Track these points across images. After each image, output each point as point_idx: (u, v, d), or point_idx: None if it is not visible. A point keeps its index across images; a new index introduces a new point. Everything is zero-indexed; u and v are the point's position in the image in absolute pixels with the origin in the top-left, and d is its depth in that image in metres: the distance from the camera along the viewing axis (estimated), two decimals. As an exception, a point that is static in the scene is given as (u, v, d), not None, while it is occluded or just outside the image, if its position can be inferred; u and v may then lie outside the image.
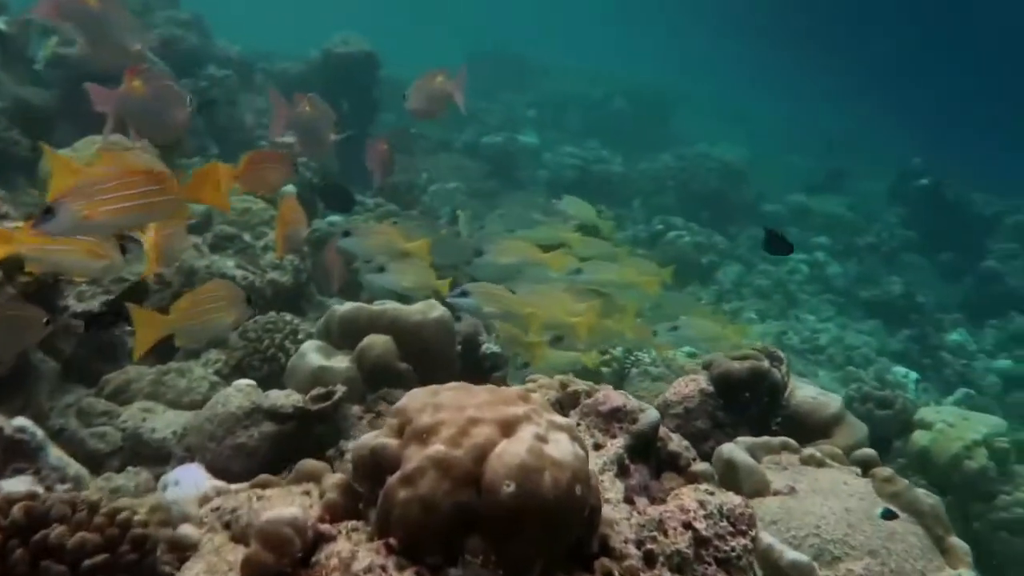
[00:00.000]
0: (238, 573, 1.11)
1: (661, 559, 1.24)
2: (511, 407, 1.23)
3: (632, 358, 3.87)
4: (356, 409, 2.25)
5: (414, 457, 1.16)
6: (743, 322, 6.56)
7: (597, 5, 23.95)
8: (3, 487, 1.53)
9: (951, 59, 20.13)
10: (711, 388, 2.17)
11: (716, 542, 1.26)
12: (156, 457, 2.27)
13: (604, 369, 3.82)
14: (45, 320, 1.97)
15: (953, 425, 3.26)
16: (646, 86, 13.83)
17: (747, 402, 2.15)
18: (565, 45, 18.13)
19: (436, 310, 2.51)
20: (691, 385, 2.19)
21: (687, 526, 1.27)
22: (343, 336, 2.50)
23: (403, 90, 3.30)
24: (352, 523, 1.24)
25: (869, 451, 1.82)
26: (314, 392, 2.18)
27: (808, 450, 1.79)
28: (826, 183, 11.37)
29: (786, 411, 2.20)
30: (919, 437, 3.27)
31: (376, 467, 1.22)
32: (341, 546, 1.17)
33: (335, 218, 4.75)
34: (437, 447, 1.16)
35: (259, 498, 1.28)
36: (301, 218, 2.98)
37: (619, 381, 3.79)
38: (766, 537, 1.42)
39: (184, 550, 1.21)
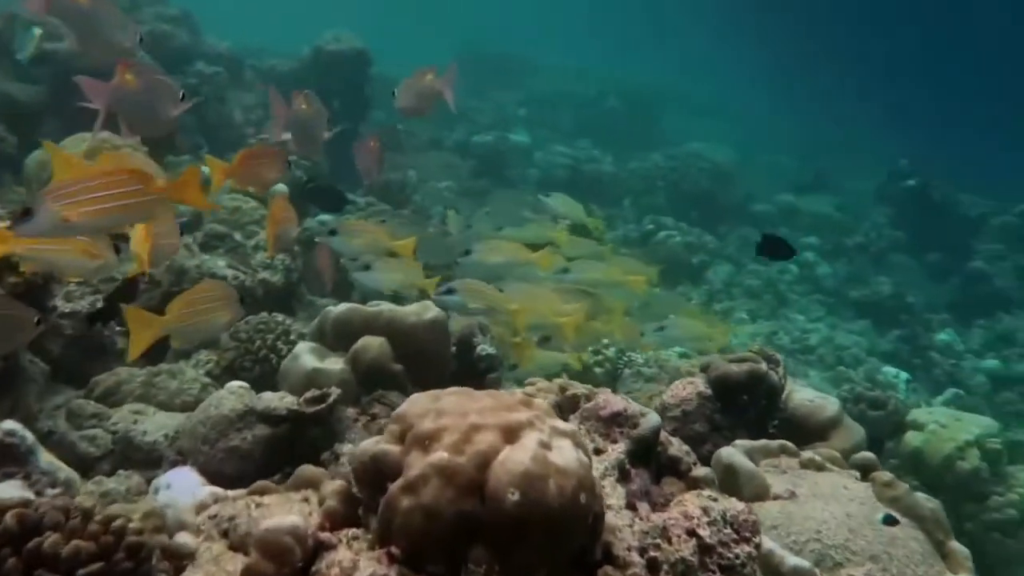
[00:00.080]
0: (238, 583, 1.10)
1: (665, 567, 1.23)
2: (514, 413, 1.22)
3: (625, 358, 3.86)
4: (351, 411, 2.23)
5: (416, 464, 1.15)
6: (734, 322, 6.58)
7: (587, 4, 23.96)
8: (-7, 493, 1.50)
9: (939, 61, 20.25)
10: (709, 391, 2.16)
11: (720, 549, 1.25)
12: (147, 460, 2.24)
13: (597, 369, 3.81)
14: (37, 320, 1.95)
15: (946, 426, 3.26)
16: (636, 85, 13.85)
17: (745, 405, 2.14)
18: (555, 43, 18.13)
19: (431, 311, 2.49)
20: (688, 388, 2.18)
21: (691, 533, 1.25)
22: (337, 337, 2.48)
23: (394, 88, 3.29)
24: (352, 531, 1.23)
25: (868, 455, 1.82)
26: (308, 394, 2.15)
27: (807, 454, 1.79)
28: (814, 183, 11.42)
29: (783, 414, 2.20)
30: (912, 438, 3.28)
31: (377, 474, 1.20)
32: (342, 555, 1.16)
33: (326, 217, 4.73)
34: (440, 454, 1.14)
35: (257, 505, 1.26)
36: (292, 217, 2.96)
37: (612, 382, 3.78)
38: (767, 542, 1.41)
39: (181, 559, 1.19)
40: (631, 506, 1.41)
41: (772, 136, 14.09)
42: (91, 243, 1.90)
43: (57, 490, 1.80)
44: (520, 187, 8.64)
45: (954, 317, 7.98)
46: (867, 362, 6.28)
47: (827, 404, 2.19)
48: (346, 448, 2.11)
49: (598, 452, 1.50)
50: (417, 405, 1.24)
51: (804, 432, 2.13)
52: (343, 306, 2.52)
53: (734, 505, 1.30)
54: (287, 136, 2.87)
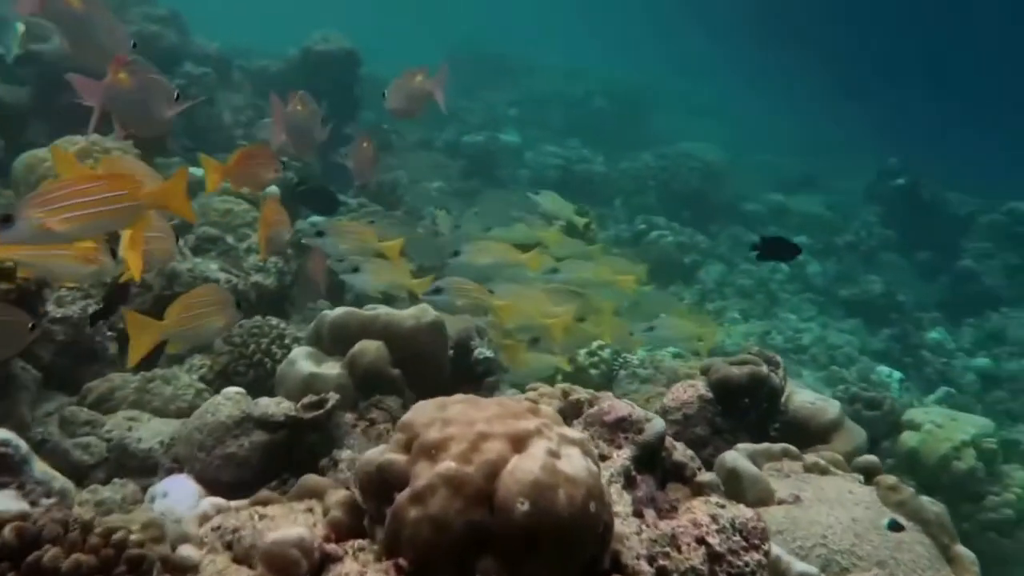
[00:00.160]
0: (243, 597, 1.08)
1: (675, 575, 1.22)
2: (522, 421, 1.20)
3: (620, 359, 3.86)
4: (349, 417, 2.20)
5: (424, 474, 1.13)
6: (727, 322, 6.59)
7: (577, 4, 23.96)
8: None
9: (929, 60, 20.37)
10: (710, 394, 2.15)
11: (730, 557, 1.24)
12: (142, 468, 2.22)
13: (592, 371, 3.80)
14: (30, 325, 1.93)
15: (941, 426, 3.27)
16: (626, 85, 13.87)
17: (746, 408, 2.13)
18: (545, 43, 18.11)
19: (429, 315, 2.47)
20: (689, 391, 2.17)
21: (700, 541, 1.24)
22: (334, 342, 2.45)
23: (384, 88, 3.28)
24: (358, 542, 1.21)
25: (871, 458, 1.81)
26: (306, 400, 2.13)
27: (811, 458, 1.78)
28: (803, 182, 11.46)
29: (784, 416, 2.19)
30: (907, 438, 3.29)
31: (383, 484, 1.18)
32: (348, 567, 1.14)
33: (317, 219, 4.70)
34: (448, 464, 1.12)
35: (261, 516, 1.24)
36: (284, 220, 2.94)
37: (607, 383, 3.77)
38: (773, 548, 1.40)
39: (184, 572, 1.17)
40: (638, 513, 1.39)
41: (761, 135, 14.13)
42: (87, 247, 1.88)
43: (52, 500, 1.77)
44: (511, 187, 8.63)
45: (944, 316, 8.02)
46: (860, 361, 6.30)
47: (828, 406, 2.19)
48: (344, 454, 2.09)
49: (603, 458, 1.48)
50: (423, 414, 1.23)
51: (805, 435, 2.12)
52: (340, 310, 2.50)
53: (743, 512, 1.29)
54: (283, 138, 2.86)
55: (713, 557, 1.23)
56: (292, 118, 2.83)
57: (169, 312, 2.01)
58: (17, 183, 3.59)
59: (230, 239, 3.75)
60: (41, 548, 1.23)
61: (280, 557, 1.08)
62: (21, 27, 5.35)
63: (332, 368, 2.34)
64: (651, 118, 13.38)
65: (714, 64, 20.14)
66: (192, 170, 4.36)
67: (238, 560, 1.17)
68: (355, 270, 2.98)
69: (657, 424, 1.51)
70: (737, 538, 1.25)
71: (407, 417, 1.24)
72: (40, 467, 1.79)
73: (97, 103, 2.13)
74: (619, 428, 1.53)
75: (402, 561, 1.11)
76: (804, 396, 2.24)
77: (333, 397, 2.12)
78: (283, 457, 2.11)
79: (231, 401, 2.15)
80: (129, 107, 2.18)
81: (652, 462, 1.51)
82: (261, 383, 2.86)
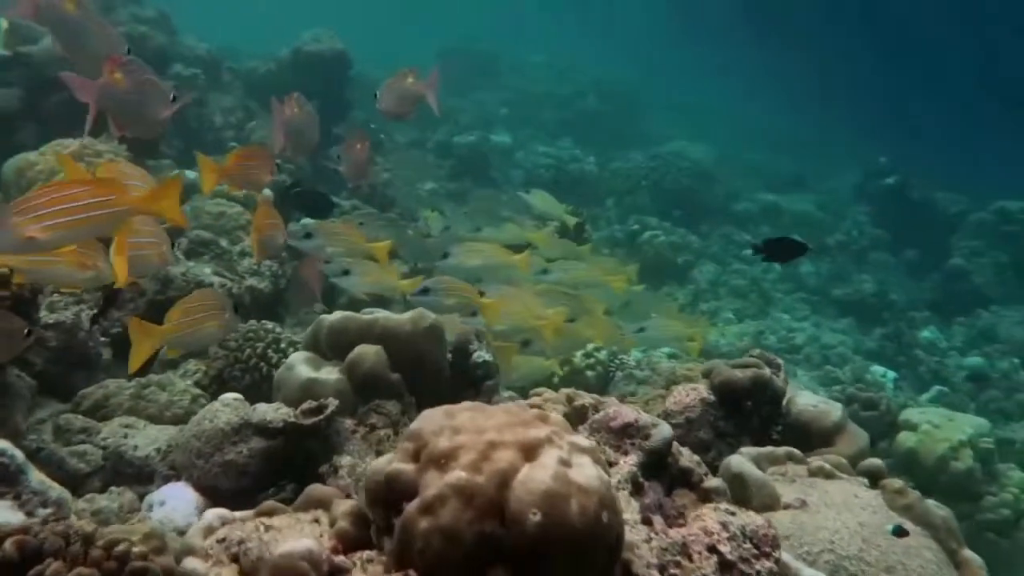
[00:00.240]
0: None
1: (687, 584, 1.20)
2: (532, 429, 1.19)
3: (617, 361, 3.85)
4: (348, 423, 2.18)
5: (433, 484, 1.12)
6: (722, 322, 6.60)
7: (567, 2, 23.96)
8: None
9: (918, 59, 20.45)
10: (712, 397, 2.14)
11: (741, 565, 1.22)
12: (139, 476, 2.19)
13: (589, 372, 3.79)
14: (26, 331, 1.90)
15: (938, 426, 3.28)
16: (617, 84, 13.88)
17: (749, 411, 2.12)
18: (535, 42, 18.06)
19: (427, 319, 2.45)
20: (692, 394, 2.16)
21: (712, 549, 1.23)
22: (332, 346, 2.43)
23: (375, 89, 3.27)
24: (366, 553, 1.19)
25: (876, 461, 1.81)
26: (305, 406, 2.11)
27: (816, 461, 1.77)
28: (794, 181, 11.49)
29: (787, 420, 2.18)
30: (905, 438, 3.29)
31: (391, 494, 1.17)
32: (358, 579, 1.12)
33: (308, 221, 4.67)
34: (458, 473, 1.11)
35: (267, 528, 1.22)
36: (277, 223, 2.92)
37: (604, 385, 3.76)
38: (782, 554, 1.39)
39: (190, 586, 1.15)
40: (646, 520, 1.38)
41: (751, 135, 14.16)
42: (84, 253, 1.86)
43: (48, 510, 1.75)
44: (503, 187, 8.62)
45: (935, 315, 8.05)
46: (853, 361, 6.32)
47: (831, 409, 2.18)
48: (345, 460, 2.07)
49: (610, 464, 1.47)
50: (431, 422, 1.21)
51: (808, 438, 2.11)
52: (337, 314, 2.47)
53: (753, 519, 1.28)
54: (283, 141, 2.85)
55: (724, 565, 1.22)
56: (289, 120, 2.82)
57: (169, 317, 2.00)
58: (7, 186, 3.56)
59: (224, 242, 3.72)
60: (43, 562, 1.21)
61: (289, 570, 1.07)
62: (4, 23, 5.29)
63: (331, 373, 2.31)
64: (642, 118, 13.41)
65: (704, 63, 20.18)
66: (185, 172, 4.36)
67: (245, 573, 1.15)
68: (345, 273, 2.96)
69: (664, 430, 1.49)
70: (748, 546, 1.24)
71: (415, 426, 1.22)
72: (37, 477, 1.77)
73: (92, 102, 2.11)
74: (625, 434, 1.52)
75: (412, 573, 1.09)
76: (806, 399, 2.23)
77: (332, 403, 2.10)
78: (283, 464, 2.09)
79: (229, 407, 2.13)
80: (124, 107, 2.16)
81: (659, 468, 1.50)
82: (257, 388, 2.84)
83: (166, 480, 2.13)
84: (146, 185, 2.05)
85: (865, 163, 10.61)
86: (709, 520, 1.27)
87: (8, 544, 1.18)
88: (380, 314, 2.50)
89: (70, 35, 2.15)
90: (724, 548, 1.22)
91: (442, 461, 1.14)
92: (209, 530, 1.23)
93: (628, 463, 1.46)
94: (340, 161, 3.49)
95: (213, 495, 2.04)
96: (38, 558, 1.20)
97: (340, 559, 1.15)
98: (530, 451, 1.15)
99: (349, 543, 1.22)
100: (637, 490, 1.44)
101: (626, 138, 11.69)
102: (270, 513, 1.28)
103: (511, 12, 22.96)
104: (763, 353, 2.30)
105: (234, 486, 2.05)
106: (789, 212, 10.05)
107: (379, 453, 2.13)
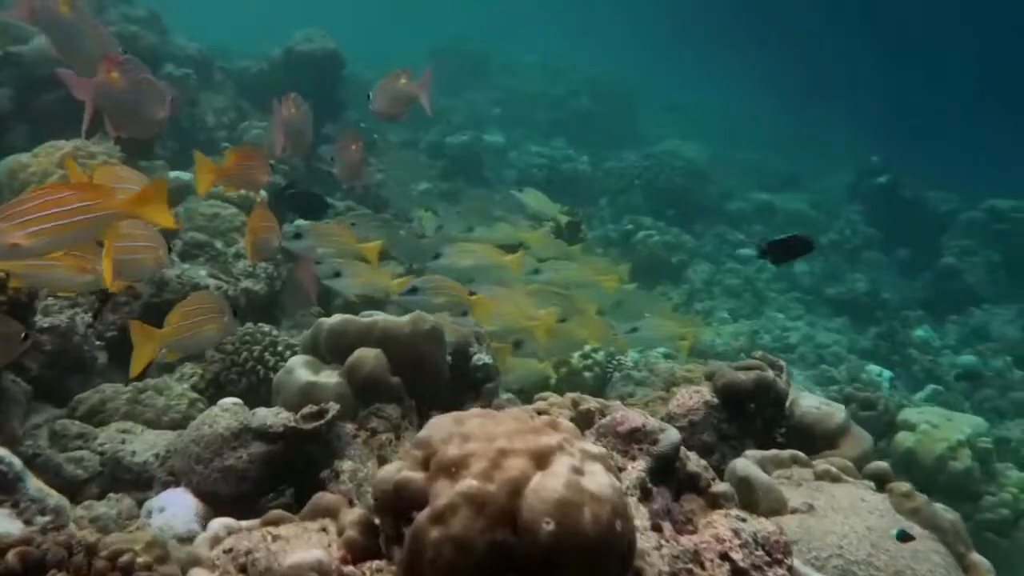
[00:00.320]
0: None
1: (700, 592, 1.19)
2: (543, 436, 1.17)
3: (614, 362, 3.84)
4: (349, 427, 2.16)
5: (444, 493, 1.10)
6: (717, 322, 6.60)
7: (559, 2, 23.96)
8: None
9: (910, 58, 20.53)
10: (715, 400, 2.13)
11: (754, 573, 1.21)
12: (137, 482, 2.17)
13: (586, 373, 3.78)
14: (23, 335, 1.88)
15: (937, 426, 3.28)
16: (609, 83, 13.87)
17: (752, 414, 2.12)
18: (528, 42, 18.06)
19: (427, 321, 2.44)
20: (695, 397, 2.15)
21: (724, 557, 1.22)
22: (331, 349, 2.41)
23: (367, 89, 3.26)
24: (375, 563, 1.18)
25: (882, 464, 1.80)
26: (306, 410, 2.09)
27: (822, 465, 1.76)
28: (787, 180, 11.52)
29: (790, 422, 2.17)
30: (903, 438, 3.29)
31: (400, 502, 1.15)
32: (368, 590, 1.11)
33: (302, 223, 4.64)
34: (469, 482, 1.09)
35: (274, 537, 1.20)
36: (272, 226, 2.90)
37: (601, 386, 3.75)
38: (794, 561, 1.38)
39: (196, 597, 1.13)
40: (655, 527, 1.37)
41: (744, 134, 14.18)
42: (81, 256, 1.84)
43: (47, 518, 1.72)
44: (496, 187, 8.60)
45: (928, 313, 8.08)
46: (848, 360, 6.33)
47: (834, 411, 2.17)
48: (346, 465, 2.05)
49: (619, 470, 1.46)
50: (440, 429, 1.20)
51: (812, 440, 2.11)
52: (336, 317, 2.45)
53: (765, 526, 1.27)
54: (283, 142, 2.84)
55: (737, 573, 1.21)
56: (287, 120, 2.81)
57: (169, 320, 2.00)
58: (0, 188, 3.52)
59: (219, 244, 3.69)
60: (46, 574, 1.19)
61: (299, 582, 1.05)
62: None
63: (330, 377, 2.30)
64: (635, 117, 13.42)
65: (697, 62, 20.21)
66: (178, 174, 4.33)
67: (253, 584, 1.13)
68: (336, 274, 2.95)
69: (672, 435, 1.48)
70: (760, 553, 1.23)
71: (423, 433, 1.21)
72: (35, 484, 1.75)
73: (89, 100, 2.09)
74: (633, 439, 1.51)
75: (423, 583, 1.08)
76: (809, 401, 2.22)
77: (333, 407, 2.08)
78: (282, 469, 2.07)
79: (228, 412, 2.11)
80: (121, 106, 2.14)
81: (667, 473, 1.49)
82: (254, 391, 2.82)
83: (165, 486, 2.10)
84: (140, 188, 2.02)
85: (858, 162, 10.63)
86: (720, 527, 1.26)
87: (11, 555, 1.16)
88: (379, 316, 2.49)
89: (65, 37, 2.13)
90: (736, 555, 1.21)
91: (452, 469, 1.12)
92: (215, 540, 1.21)
93: (636, 469, 1.45)
94: (334, 163, 3.47)
95: (213, 501, 2.02)
96: (41, 570, 1.18)
97: (349, 569, 1.14)
98: (541, 459, 1.13)
99: (358, 552, 1.20)
100: (646, 496, 1.42)
101: (619, 137, 11.69)
102: (277, 522, 1.26)
103: (504, 12, 22.94)
104: (765, 355, 2.29)
105: (234, 491, 2.03)
106: (782, 211, 10.08)
107: (381, 458, 2.12)
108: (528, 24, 22.21)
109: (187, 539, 1.88)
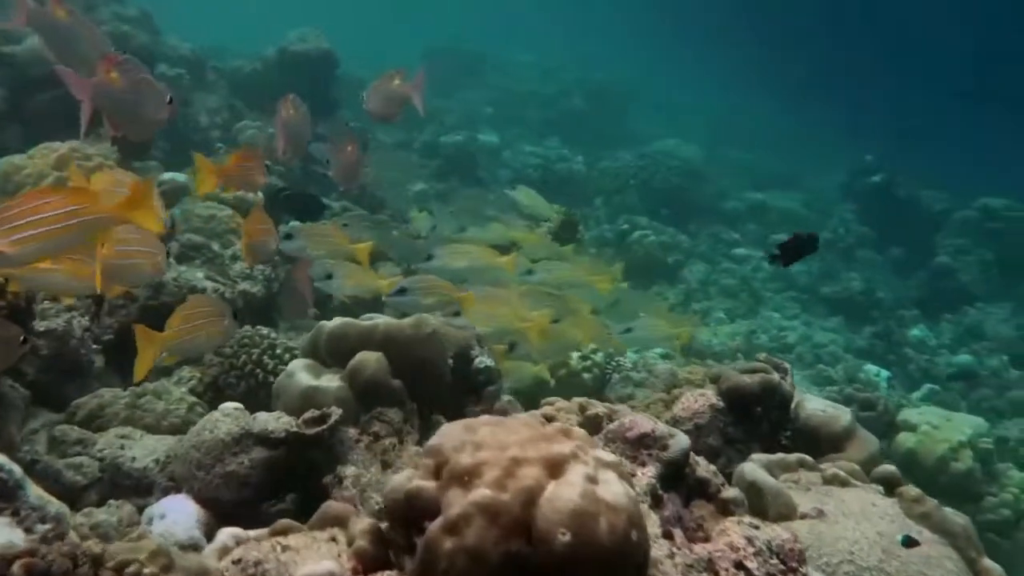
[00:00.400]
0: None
1: (715, 601, 1.18)
2: (556, 444, 1.16)
3: (613, 363, 3.83)
4: (352, 432, 2.14)
5: (457, 502, 1.08)
6: (714, 322, 6.59)
7: (553, 1, 23.94)
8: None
9: (905, 58, 20.58)
10: (721, 403, 2.12)
11: (769, 581, 1.20)
12: (137, 488, 2.14)
13: (585, 375, 3.77)
14: (22, 338, 1.86)
15: (937, 427, 3.28)
16: (603, 83, 13.87)
17: (758, 417, 2.10)
18: (521, 41, 18.05)
19: (428, 325, 2.42)
20: (700, 400, 2.14)
21: (739, 566, 1.21)
22: (331, 353, 2.39)
23: (361, 89, 3.24)
24: (387, 573, 1.16)
25: (890, 468, 1.79)
26: (308, 415, 2.07)
27: (831, 469, 1.75)
28: (780, 179, 11.54)
29: (795, 425, 2.17)
30: (904, 439, 3.29)
31: (411, 512, 1.13)
32: (380, 602, 1.09)
33: (297, 224, 4.61)
34: (482, 491, 1.08)
35: (284, 548, 1.18)
36: (269, 229, 2.88)
37: (600, 387, 3.74)
38: (808, 569, 1.36)
39: (205, 610, 1.11)
40: (667, 535, 1.36)
41: (738, 133, 14.19)
42: (81, 260, 1.82)
43: (47, 526, 1.70)
44: (491, 187, 8.58)
45: (922, 312, 8.09)
46: (845, 360, 6.33)
47: (840, 414, 2.16)
48: (349, 471, 2.03)
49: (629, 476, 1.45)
50: (451, 437, 1.18)
51: (817, 443, 2.10)
52: (337, 320, 2.43)
53: (778, 533, 1.26)
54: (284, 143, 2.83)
55: (752, 581, 1.20)
56: (288, 122, 2.80)
57: (170, 324, 1.98)
58: (-7, 190, 3.49)
59: (215, 246, 3.66)
60: (51, 587, 1.17)
61: (311, 595, 1.03)
62: None
63: (332, 381, 2.28)
64: (628, 116, 13.42)
65: (690, 62, 20.23)
66: (173, 175, 4.30)
67: (263, 596, 1.11)
68: (328, 276, 2.93)
69: (682, 440, 1.47)
70: (775, 561, 1.22)
71: (434, 441, 1.19)
72: (35, 491, 1.72)
73: (87, 100, 2.07)
74: (642, 444, 1.49)
75: (437, 594, 1.06)
76: (814, 404, 2.21)
77: (336, 412, 2.06)
78: (284, 474, 2.05)
79: (229, 417, 2.09)
80: (120, 106, 2.12)
81: (677, 479, 1.47)
82: (253, 394, 2.80)
83: (165, 492, 2.08)
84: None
85: (851, 161, 10.65)
86: (734, 535, 1.25)
87: (16, 567, 1.14)
88: (380, 319, 2.47)
89: (61, 41, 2.11)
90: (751, 564, 1.20)
91: (465, 478, 1.11)
92: (224, 550, 1.19)
93: (646, 475, 1.43)
94: (329, 165, 3.45)
95: (214, 507, 2.00)
96: (46, 582, 1.17)
97: (361, 580, 1.12)
98: (555, 467, 1.12)
99: (368, 563, 1.19)
100: (656, 503, 1.41)
101: (614, 137, 11.69)
102: (285, 532, 1.24)
103: (504, 12, 22.89)
104: (769, 357, 2.28)
105: (235, 497, 2.01)
106: (776, 210, 10.08)
107: (384, 463, 2.10)
108: (528, 24, 22.19)
109: (189, 546, 1.86)
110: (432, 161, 8.90)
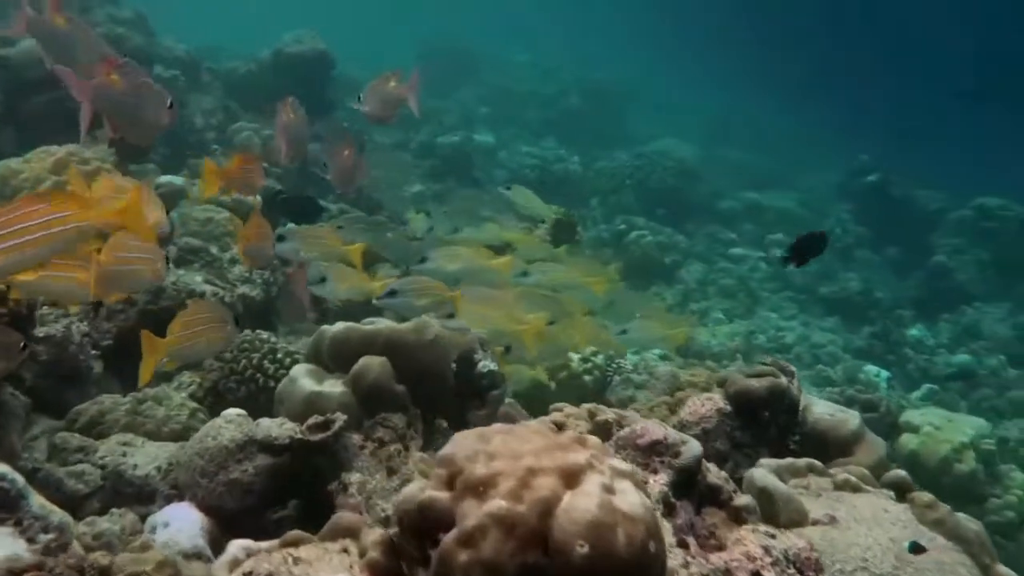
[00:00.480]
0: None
1: (732, 611, 1.17)
2: (571, 453, 1.14)
3: (614, 365, 3.81)
4: (356, 438, 2.12)
5: (472, 514, 1.07)
6: (712, 323, 6.58)
7: (549, 1, 23.93)
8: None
9: (902, 59, 20.63)
10: (728, 407, 2.11)
11: (787, 591, 1.19)
12: (140, 495, 2.12)
13: (586, 377, 3.76)
14: (22, 345, 1.84)
15: (940, 428, 3.27)
16: (599, 83, 13.86)
17: (766, 421, 2.09)
18: (517, 41, 18.01)
19: (431, 329, 2.40)
20: (707, 404, 2.12)
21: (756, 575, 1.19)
22: (334, 358, 2.37)
23: (356, 90, 3.23)
24: (400, 585, 1.14)
25: (901, 473, 1.77)
26: (312, 421, 2.05)
27: (841, 474, 1.74)
28: (775, 180, 11.55)
29: (803, 429, 2.15)
30: (907, 440, 3.28)
31: (425, 523, 1.12)
32: (395, 615, 1.07)
33: (291, 227, 4.59)
34: (498, 502, 1.06)
35: (295, 560, 1.16)
36: (266, 233, 2.86)
37: (601, 389, 3.73)
38: (819, 574, 1.35)
39: (216, 624, 1.09)
40: (681, 543, 1.34)
41: (733, 132, 14.20)
42: (83, 267, 1.80)
43: (51, 535, 1.68)
44: (487, 187, 8.56)
45: (920, 312, 8.10)
46: (844, 360, 6.33)
47: (848, 418, 2.15)
48: (354, 477, 2.01)
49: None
50: (464, 447, 1.16)
51: (825, 447, 2.08)
52: (339, 325, 2.42)
53: (794, 542, 1.25)
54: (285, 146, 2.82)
55: (769, 591, 1.18)
56: (287, 125, 2.79)
57: (171, 329, 1.97)
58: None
59: (213, 249, 3.64)
60: (58, 601, 1.15)
61: (325, 609, 1.02)
62: None
63: (335, 386, 2.26)
64: (625, 116, 13.41)
65: (689, 62, 20.23)
66: (170, 178, 4.27)
67: (275, 610, 1.09)
68: (322, 280, 2.91)
69: (694, 447, 1.46)
70: (792, 571, 1.21)
71: (447, 451, 1.17)
72: (37, 501, 1.70)
73: (87, 101, 2.05)
74: (653, 451, 1.48)
75: (453, 608, 1.04)
76: (822, 408, 2.20)
77: (340, 418, 2.05)
78: (288, 481, 2.03)
79: (232, 424, 2.07)
80: (121, 109, 2.10)
81: (689, 487, 1.46)
82: (253, 399, 2.78)
83: (168, 500, 2.06)
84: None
85: (847, 161, 10.66)
86: (751, 544, 1.24)
87: (23, 583, 1.12)
88: (383, 324, 2.45)
89: (60, 48, 2.09)
90: (769, 574, 1.19)
91: (480, 489, 1.09)
92: (234, 563, 1.18)
93: (659, 483, 1.42)
94: (327, 169, 3.43)
95: (217, 515, 1.98)
96: (54, 596, 1.15)
97: (375, 593, 1.10)
98: (571, 477, 1.10)
99: (381, 574, 1.17)
100: (669, 511, 1.40)
101: (610, 137, 11.68)
102: (296, 543, 1.22)
103: (504, 12, 22.85)
104: (776, 360, 2.27)
105: (239, 505, 1.99)
106: (773, 210, 10.08)
107: (390, 469, 2.08)
108: (526, 24, 22.15)
109: (193, 555, 1.84)
110: (426, 161, 8.87)
